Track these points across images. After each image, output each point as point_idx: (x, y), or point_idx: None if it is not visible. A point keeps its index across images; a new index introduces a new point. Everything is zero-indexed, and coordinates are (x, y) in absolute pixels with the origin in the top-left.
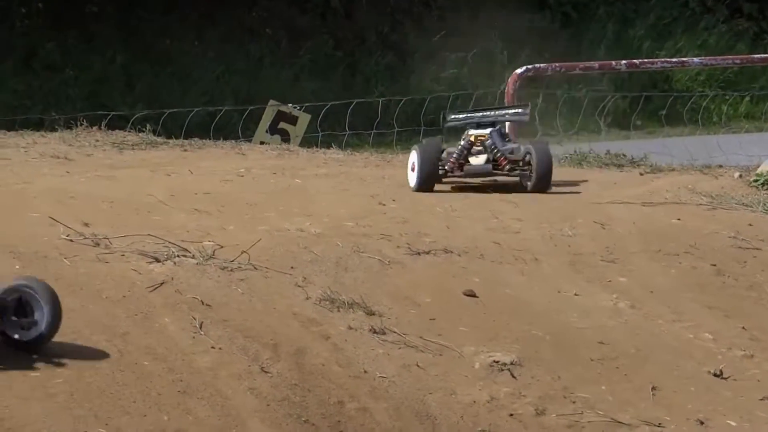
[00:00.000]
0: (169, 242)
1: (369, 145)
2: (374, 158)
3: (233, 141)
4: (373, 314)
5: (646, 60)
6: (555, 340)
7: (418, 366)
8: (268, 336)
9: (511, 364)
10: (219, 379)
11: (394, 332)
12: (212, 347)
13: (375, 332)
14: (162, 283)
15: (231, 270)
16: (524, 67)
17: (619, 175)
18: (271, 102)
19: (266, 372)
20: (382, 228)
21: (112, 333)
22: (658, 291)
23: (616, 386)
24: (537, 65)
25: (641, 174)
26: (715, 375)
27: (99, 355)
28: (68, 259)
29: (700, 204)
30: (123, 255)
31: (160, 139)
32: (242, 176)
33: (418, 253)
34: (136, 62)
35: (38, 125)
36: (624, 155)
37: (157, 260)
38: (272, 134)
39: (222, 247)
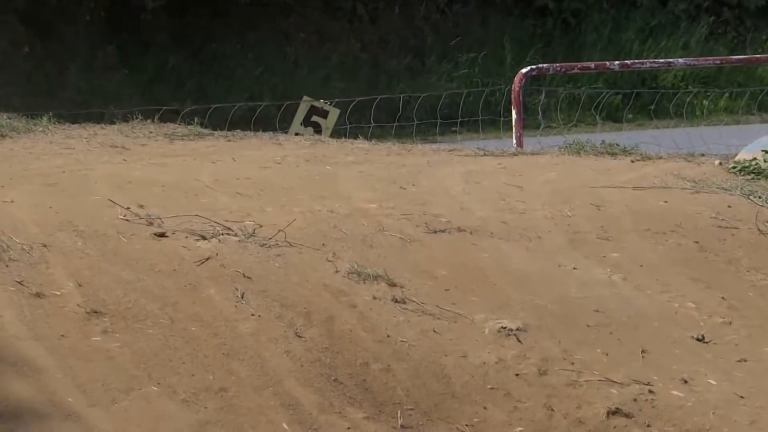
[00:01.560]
0: (215, 222)
1: (391, 136)
2: (396, 148)
3: (271, 132)
4: (395, 285)
5: (636, 60)
6: (556, 308)
7: (434, 331)
8: (301, 305)
9: (517, 330)
10: (258, 343)
11: (414, 301)
12: (252, 315)
13: (396, 301)
14: (208, 258)
15: (269, 246)
16: (529, 68)
17: (613, 162)
18: (305, 98)
19: (300, 337)
20: (402, 209)
21: (164, 302)
22: (647, 265)
23: (610, 349)
24: (540, 66)
25: (632, 162)
26: (697, 339)
27: (152, 321)
28: (125, 237)
29: (685, 188)
30: (173, 233)
31: (206, 131)
32: (279, 164)
33: (435, 232)
34: (185, 63)
35: (99, 119)
36: (617, 145)
37: (204, 238)
38: (306, 126)
39: (261, 226)
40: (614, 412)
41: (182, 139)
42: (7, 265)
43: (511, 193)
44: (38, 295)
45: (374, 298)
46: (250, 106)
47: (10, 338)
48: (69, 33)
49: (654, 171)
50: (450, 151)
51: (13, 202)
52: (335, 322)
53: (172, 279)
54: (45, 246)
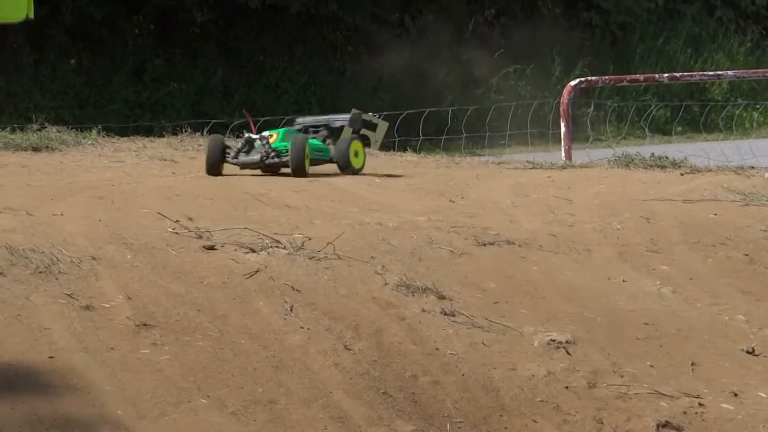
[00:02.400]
0: (263, 235)
1: (440, 149)
2: (444, 161)
3: None
4: (444, 298)
5: (685, 73)
6: (605, 321)
7: (483, 344)
8: (350, 318)
9: (566, 342)
10: (307, 356)
11: (463, 314)
12: (301, 327)
13: (445, 314)
14: (257, 271)
15: (318, 259)
16: (578, 80)
17: (662, 175)
18: (354, 111)
19: (349, 349)
20: (451, 222)
21: (213, 315)
22: (696, 278)
23: (659, 362)
24: (589, 78)
25: (682, 174)
26: (747, 352)
27: (201, 334)
28: (174, 250)
29: (734, 201)
30: (222, 246)
31: None
32: (327, 176)
33: (484, 245)
34: (233, 76)
35: (148, 131)
36: (666, 158)
37: (253, 251)
38: None
39: (310, 239)
40: (664, 425)
41: None
42: (56, 278)
43: (560, 205)
44: (88, 307)
45: (423, 310)
46: None
47: (60, 351)
48: (117, 46)
49: (703, 184)
50: (498, 164)
51: (62, 215)
52: (384, 335)
53: (221, 292)
54: (94, 259)
